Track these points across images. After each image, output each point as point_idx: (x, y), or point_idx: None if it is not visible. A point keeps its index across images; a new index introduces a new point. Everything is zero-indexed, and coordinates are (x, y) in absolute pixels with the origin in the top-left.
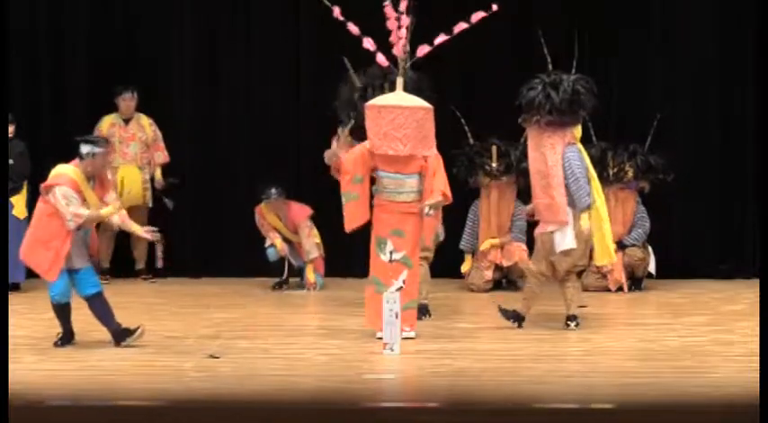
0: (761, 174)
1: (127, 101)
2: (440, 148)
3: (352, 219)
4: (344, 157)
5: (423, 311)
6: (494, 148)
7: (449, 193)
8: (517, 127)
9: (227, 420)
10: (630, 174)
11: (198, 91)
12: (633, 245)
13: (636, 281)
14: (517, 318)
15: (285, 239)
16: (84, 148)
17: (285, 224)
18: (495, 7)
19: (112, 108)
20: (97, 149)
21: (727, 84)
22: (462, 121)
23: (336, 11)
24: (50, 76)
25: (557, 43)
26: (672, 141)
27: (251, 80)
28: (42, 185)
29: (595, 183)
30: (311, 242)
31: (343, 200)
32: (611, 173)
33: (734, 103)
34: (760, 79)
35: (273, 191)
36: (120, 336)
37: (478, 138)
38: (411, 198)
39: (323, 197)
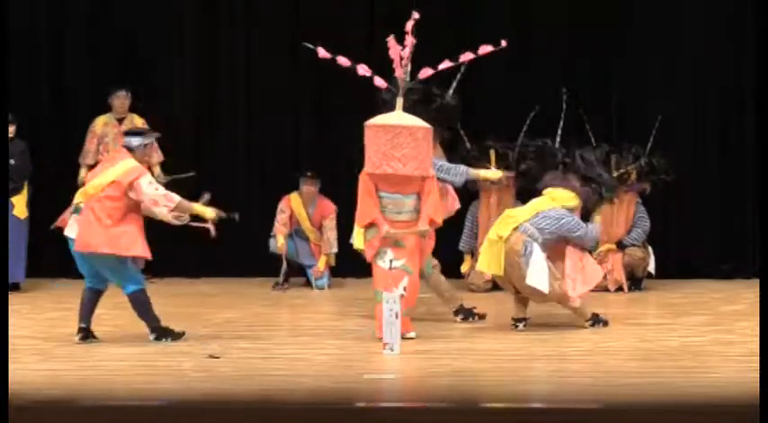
0: (761, 173)
1: (122, 99)
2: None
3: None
4: (362, 208)
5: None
6: (491, 151)
7: (438, 219)
8: (514, 128)
9: (227, 420)
10: (634, 176)
11: (198, 91)
12: (633, 245)
13: (636, 281)
14: (522, 320)
15: (301, 234)
16: (135, 141)
17: (311, 216)
18: (504, 43)
19: (108, 108)
20: (147, 140)
21: (727, 83)
22: (458, 125)
23: (321, 51)
24: (50, 76)
25: (559, 45)
26: (672, 142)
27: (251, 80)
28: (117, 181)
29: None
30: (335, 235)
31: (367, 237)
32: (614, 175)
33: (734, 103)
34: (760, 79)
35: (311, 172)
36: (162, 333)
37: (475, 141)
38: (410, 217)
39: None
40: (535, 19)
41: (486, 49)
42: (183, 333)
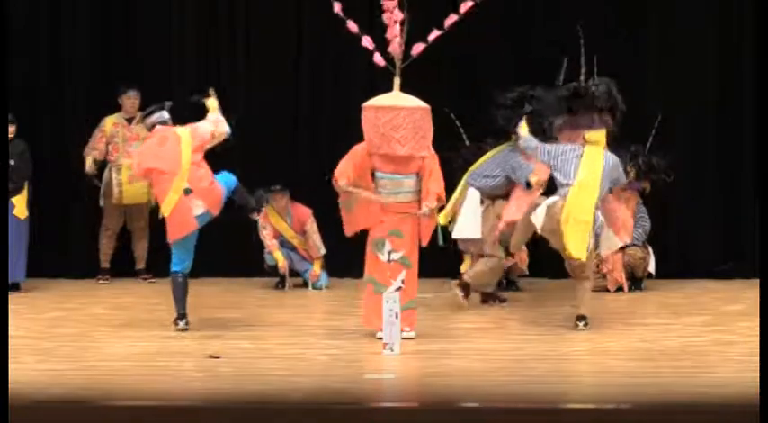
0: (760, 173)
1: (132, 99)
2: (435, 150)
3: (352, 223)
4: (340, 165)
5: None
6: (489, 150)
7: (443, 196)
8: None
9: (227, 420)
10: (632, 175)
11: (197, 91)
12: (633, 244)
13: (636, 281)
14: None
15: (286, 244)
16: (166, 114)
17: (291, 224)
18: None
19: (113, 107)
20: (165, 109)
21: (726, 83)
22: (457, 123)
23: (337, 7)
24: (50, 75)
25: (559, 44)
26: (672, 141)
27: (250, 81)
28: (195, 148)
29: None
30: (319, 237)
31: (344, 208)
32: None
33: (734, 102)
34: (760, 79)
35: (278, 186)
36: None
37: (473, 139)
38: (408, 198)
39: (322, 198)
40: (536, 16)
41: (466, 5)
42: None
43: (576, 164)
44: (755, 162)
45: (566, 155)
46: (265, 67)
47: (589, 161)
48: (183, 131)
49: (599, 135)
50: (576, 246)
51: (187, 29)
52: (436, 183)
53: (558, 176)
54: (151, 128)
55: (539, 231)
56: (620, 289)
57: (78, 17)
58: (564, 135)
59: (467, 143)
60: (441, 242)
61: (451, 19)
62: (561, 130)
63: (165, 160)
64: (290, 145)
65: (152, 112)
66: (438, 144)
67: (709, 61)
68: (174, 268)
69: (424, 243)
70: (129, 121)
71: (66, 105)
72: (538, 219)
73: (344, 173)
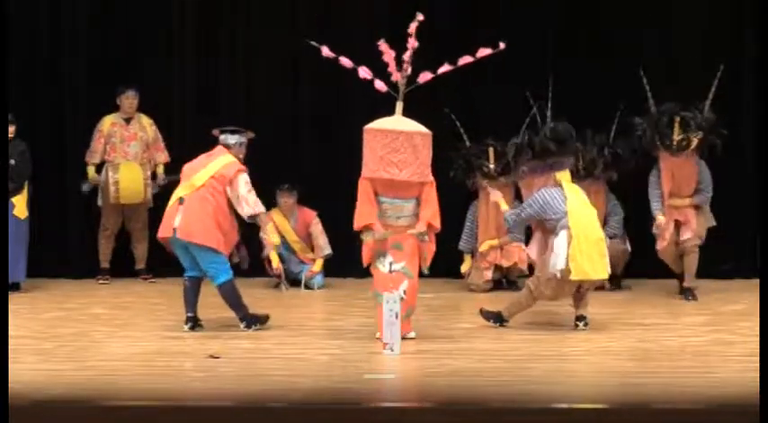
0: (761, 173)
1: (130, 99)
2: (436, 150)
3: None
4: (358, 213)
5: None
6: (490, 150)
7: (436, 223)
8: (512, 127)
9: (227, 420)
10: (600, 167)
11: (198, 92)
12: (614, 235)
13: (614, 278)
14: (499, 319)
15: (287, 247)
16: (232, 139)
17: (294, 227)
18: (502, 45)
19: (113, 107)
20: (243, 138)
21: (725, 82)
22: (458, 123)
23: (325, 50)
24: (50, 76)
25: (557, 46)
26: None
27: (251, 82)
28: (218, 176)
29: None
30: (325, 238)
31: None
32: (580, 167)
33: (733, 102)
34: (759, 78)
35: (287, 185)
36: (251, 320)
37: (474, 139)
38: (409, 222)
39: (322, 199)
40: (533, 20)
41: (484, 51)
42: (268, 316)
43: (562, 199)
44: (756, 162)
45: (551, 196)
46: (265, 68)
47: (572, 193)
48: (227, 157)
49: (565, 174)
50: (597, 268)
51: (187, 29)
52: (430, 210)
53: (550, 216)
54: (222, 144)
55: (558, 275)
56: (599, 288)
57: (78, 17)
58: (538, 181)
59: (467, 143)
60: (425, 270)
61: (466, 60)
62: (532, 175)
63: (195, 166)
64: (290, 147)
65: (237, 132)
66: (438, 145)
67: (709, 59)
68: (185, 273)
69: (424, 267)
70: (127, 120)
71: (66, 105)
72: (559, 260)
73: (368, 217)
